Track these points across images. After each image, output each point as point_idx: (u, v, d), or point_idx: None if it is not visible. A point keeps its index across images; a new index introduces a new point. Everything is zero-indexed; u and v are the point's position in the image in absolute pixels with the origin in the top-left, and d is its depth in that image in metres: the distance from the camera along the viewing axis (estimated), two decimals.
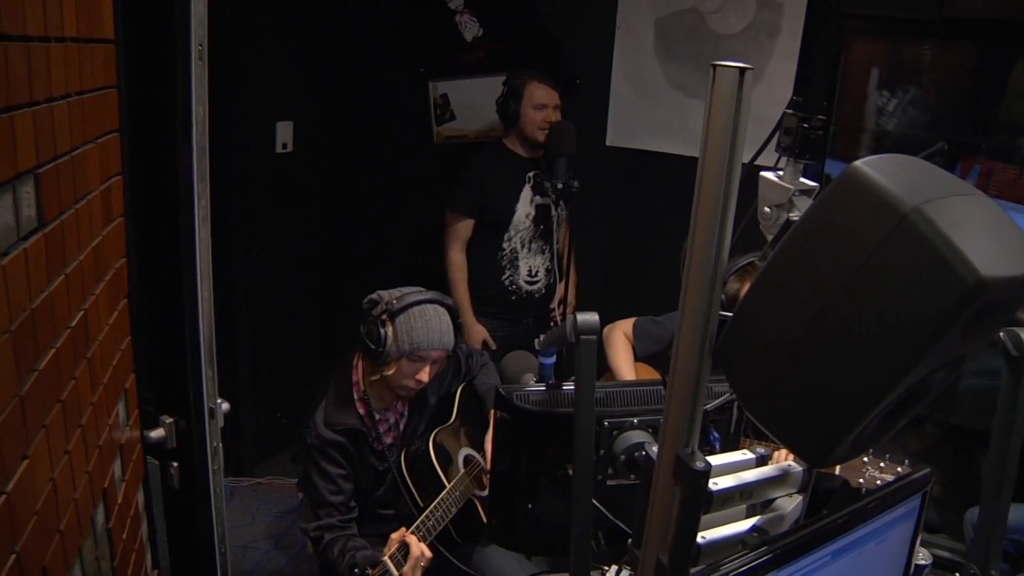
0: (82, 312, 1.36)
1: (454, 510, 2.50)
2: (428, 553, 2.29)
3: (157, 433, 1.80)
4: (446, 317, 2.49)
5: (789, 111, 1.14)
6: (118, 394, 1.61)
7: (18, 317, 1.07)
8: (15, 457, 1.07)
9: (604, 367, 2.90)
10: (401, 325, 2.40)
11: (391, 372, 2.45)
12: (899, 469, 2.06)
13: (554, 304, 3.73)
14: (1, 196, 1.02)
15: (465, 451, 2.69)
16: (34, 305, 1.13)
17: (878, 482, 2.04)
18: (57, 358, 1.22)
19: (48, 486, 1.18)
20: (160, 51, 1.61)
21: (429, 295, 2.49)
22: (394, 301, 2.42)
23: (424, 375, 2.47)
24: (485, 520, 2.61)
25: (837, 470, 2.14)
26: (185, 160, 1.64)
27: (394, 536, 2.29)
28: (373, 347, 2.40)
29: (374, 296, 2.48)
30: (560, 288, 3.74)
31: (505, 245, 3.60)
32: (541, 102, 3.49)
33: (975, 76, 3.68)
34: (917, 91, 3.66)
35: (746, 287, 2.51)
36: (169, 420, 1.81)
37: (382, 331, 2.39)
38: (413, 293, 2.47)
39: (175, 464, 1.85)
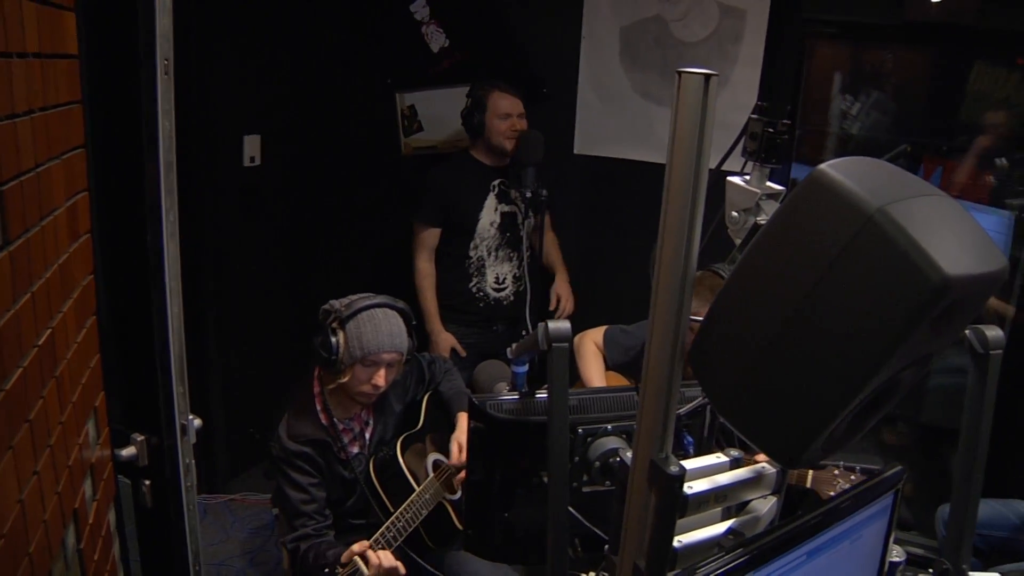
0: (49, 330, 1.34)
1: (424, 513, 2.50)
2: (388, 562, 2.29)
3: (128, 451, 1.77)
4: (396, 319, 2.50)
5: (754, 116, 1.15)
6: (87, 412, 1.59)
7: None
8: None
9: (575, 376, 2.90)
10: (351, 331, 2.42)
11: (347, 379, 2.47)
12: None
13: (552, 307, 3.78)
14: None
15: (434, 456, 2.69)
16: None
17: None
18: (24, 377, 1.21)
19: (16, 508, 1.17)
20: (125, 66, 1.60)
21: (378, 299, 2.50)
22: (343, 308, 2.45)
23: (380, 379, 2.47)
24: (457, 524, 2.61)
25: (809, 483, 2.16)
26: (152, 175, 1.63)
27: (355, 547, 2.29)
28: (326, 356, 2.43)
29: (326, 306, 2.50)
30: (554, 293, 3.79)
31: (472, 253, 3.61)
32: (505, 111, 3.51)
33: (935, 79, 3.74)
34: (879, 95, 3.71)
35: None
36: (140, 438, 1.79)
37: (333, 339, 2.41)
38: (362, 299, 2.49)
39: (147, 482, 1.82)
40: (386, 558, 2.28)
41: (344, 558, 2.28)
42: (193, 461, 1.86)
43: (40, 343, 1.29)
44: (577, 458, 1.54)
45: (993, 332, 1.42)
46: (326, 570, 2.32)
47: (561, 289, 3.86)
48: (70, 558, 1.42)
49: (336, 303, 2.48)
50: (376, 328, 2.43)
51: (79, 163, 1.58)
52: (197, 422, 1.86)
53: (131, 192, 1.66)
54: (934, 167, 3.61)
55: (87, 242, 1.63)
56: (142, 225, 1.66)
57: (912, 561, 1.80)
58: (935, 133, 3.68)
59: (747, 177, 1.18)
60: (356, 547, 2.29)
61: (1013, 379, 1.87)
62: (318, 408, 2.55)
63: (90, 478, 1.58)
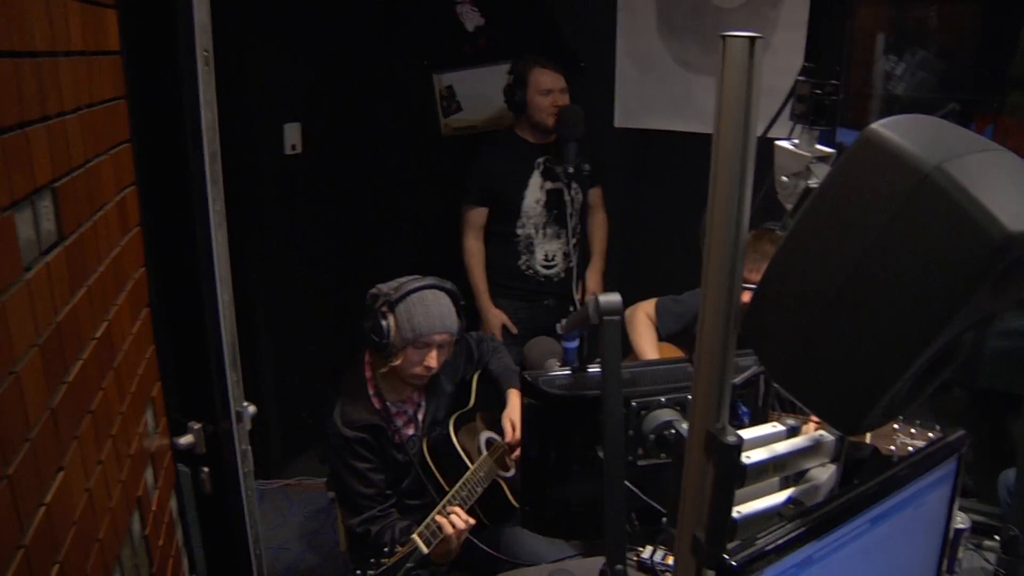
0: (106, 323, 1.37)
1: (479, 491, 2.52)
2: (462, 520, 2.33)
3: (186, 439, 1.81)
4: (446, 300, 2.51)
5: (801, 78, 1.13)
6: (145, 402, 1.62)
7: (45, 331, 1.08)
8: (50, 469, 1.08)
9: (627, 349, 2.89)
10: (402, 314, 2.42)
11: (399, 362, 2.47)
12: (930, 435, 2.05)
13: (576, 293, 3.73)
14: (21, 211, 1.02)
15: (486, 434, 2.70)
16: (59, 318, 1.14)
17: (909, 448, 2.03)
18: (85, 369, 1.23)
19: (84, 496, 1.19)
20: (166, 60, 1.62)
21: (427, 281, 2.50)
22: (392, 292, 2.45)
23: (432, 360, 2.48)
24: (513, 501, 2.62)
25: (868, 438, 2.13)
26: (197, 166, 1.65)
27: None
28: (377, 340, 2.43)
29: (374, 290, 2.51)
30: (588, 275, 3.72)
31: (519, 231, 3.61)
32: (547, 87, 3.48)
33: (983, 34, 3.64)
34: (925, 53, 3.62)
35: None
36: (197, 426, 1.83)
37: (384, 323, 2.42)
38: (410, 281, 2.49)
39: (206, 469, 1.86)
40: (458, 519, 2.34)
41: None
42: (249, 447, 1.89)
43: (98, 335, 1.32)
44: (631, 432, 1.54)
45: None
46: (385, 548, 2.35)
47: (591, 278, 3.78)
48: (137, 544, 1.45)
49: (384, 287, 2.48)
50: (427, 310, 2.44)
51: (126, 157, 1.60)
52: (251, 409, 1.88)
53: (177, 184, 1.68)
54: (985, 125, 3.52)
55: (137, 235, 1.65)
56: (190, 216, 1.68)
57: (976, 528, 1.78)
58: (985, 90, 3.58)
59: (796, 141, 1.16)
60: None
61: None
62: (371, 393, 2.57)
63: (151, 467, 1.61)
